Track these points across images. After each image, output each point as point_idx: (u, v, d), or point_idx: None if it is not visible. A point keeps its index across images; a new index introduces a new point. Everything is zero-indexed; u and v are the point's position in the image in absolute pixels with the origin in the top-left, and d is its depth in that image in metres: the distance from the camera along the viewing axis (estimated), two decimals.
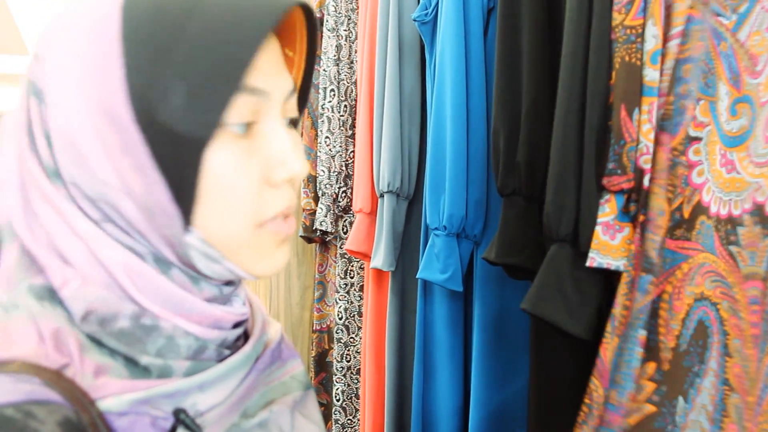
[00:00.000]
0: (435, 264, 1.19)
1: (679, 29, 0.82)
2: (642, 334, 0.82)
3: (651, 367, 0.83)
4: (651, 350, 0.83)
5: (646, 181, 0.83)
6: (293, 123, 0.52)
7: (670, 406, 0.84)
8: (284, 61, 0.50)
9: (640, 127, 0.82)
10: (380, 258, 1.37)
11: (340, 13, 1.71)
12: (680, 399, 0.84)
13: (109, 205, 0.43)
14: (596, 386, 0.83)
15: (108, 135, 0.42)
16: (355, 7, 1.69)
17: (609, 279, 0.89)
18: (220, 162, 0.44)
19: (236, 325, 0.51)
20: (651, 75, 0.82)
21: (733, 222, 0.87)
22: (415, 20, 1.26)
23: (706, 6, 0.85)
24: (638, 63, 0.83)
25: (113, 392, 0.41)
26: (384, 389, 1.44)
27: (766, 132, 0.89)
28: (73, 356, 0.41)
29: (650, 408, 0.83)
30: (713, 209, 0.86)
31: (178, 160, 0.42)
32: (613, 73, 0.83)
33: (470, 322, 1.25)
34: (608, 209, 0.85)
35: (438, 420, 1.27)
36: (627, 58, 0.83)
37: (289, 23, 0.52)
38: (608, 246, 0.85)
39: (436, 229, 1.19)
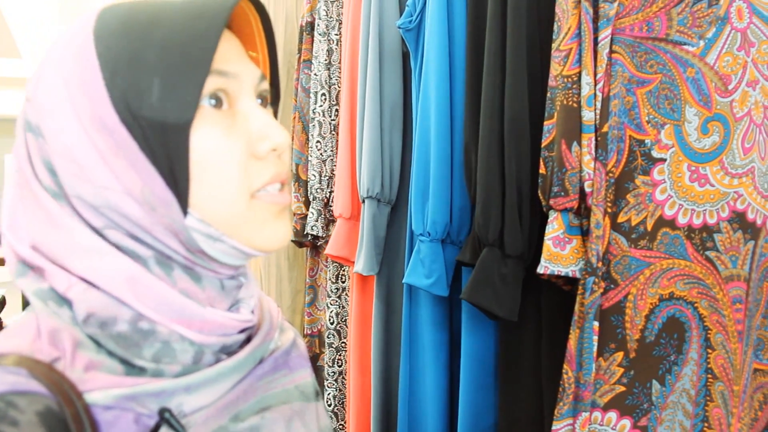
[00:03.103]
0: (420, 269, 1.20)
1: (602, 74, 0.96)
2: (595, 324, 0.97)
3: (619, 355, 0.99)
4: (619, 342, 0.99)
5: (590, 201, 0.98)
6: (272, 111, 0.59)
7: (643, 388, 0.99)
8: (250, 59, 0.56)
9: (581, 158, 0.96)
10: (361, 262, 1.40)
11: (331, 17, 1.72)
12: (655, 383, 0.99)
13: (112, 210, 0.47)
14: (566, 370, 0.98)
15: (100, 141, 0.47)
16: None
17: (531, 275, 1.07)
18: (204, 139, 0.48)
19: (240, 331, 0.54)
20: (587, 115, 0.97)
21: (708, 230, 1.00)
22: (399, 27, 1.27)
23: (665, 40, 0.98)
24: (575, 105, 0.98)
25: (100, 386, 0.44)
26: (368, 392, 1.45)
27: (745, 144, 1.00)
28: (66, 351, 0.45)
29: (620, 388, 0.99)
30: (681, 221, 0.98)
31: (167, 147, 0.47)
32: (555, 114, 0.98)
33: (455, 325, 1.26)
34: (556, 225, 0.99)
35: (424, 422, 1.27)
36: (565, 102, 0.98)
37: (247, 26, 0.57)
38: (559, 256, 0.98)
39: (421, 234, 1.21)
